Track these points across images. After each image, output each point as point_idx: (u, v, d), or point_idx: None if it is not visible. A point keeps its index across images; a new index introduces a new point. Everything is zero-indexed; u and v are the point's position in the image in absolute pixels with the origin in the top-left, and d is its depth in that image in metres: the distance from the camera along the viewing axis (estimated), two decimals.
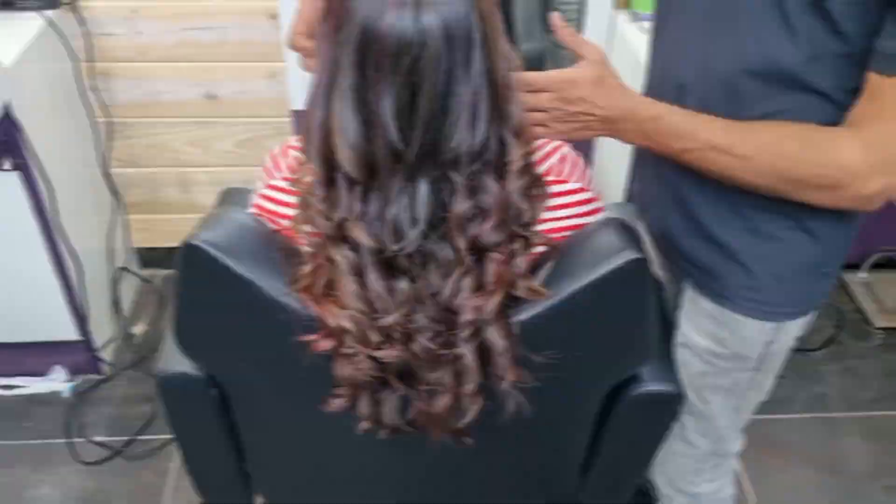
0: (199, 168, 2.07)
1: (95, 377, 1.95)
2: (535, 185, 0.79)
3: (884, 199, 0.86)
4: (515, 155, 0.75)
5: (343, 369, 0.80)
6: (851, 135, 0.84)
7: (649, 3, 1.76)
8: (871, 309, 2.21)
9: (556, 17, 0.83)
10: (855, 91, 0.86)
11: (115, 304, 2.05)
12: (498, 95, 0.73)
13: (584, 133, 0.92)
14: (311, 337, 0.79)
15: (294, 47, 1.01)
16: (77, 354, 1.90)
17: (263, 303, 0.81)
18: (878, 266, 2.27)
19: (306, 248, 0.80)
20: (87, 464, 1.75)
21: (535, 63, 2.02)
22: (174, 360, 0.96)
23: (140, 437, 1.81)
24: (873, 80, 0.81)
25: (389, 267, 0.75)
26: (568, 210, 0.92)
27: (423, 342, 0.77)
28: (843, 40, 0.82)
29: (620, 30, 1.76)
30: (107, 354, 1.97)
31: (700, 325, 1.10)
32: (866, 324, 2.18)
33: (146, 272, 2.26)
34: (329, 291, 0.77)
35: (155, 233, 2.20)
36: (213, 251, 0.80)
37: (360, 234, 0.72)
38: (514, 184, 0.76)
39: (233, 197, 1.19)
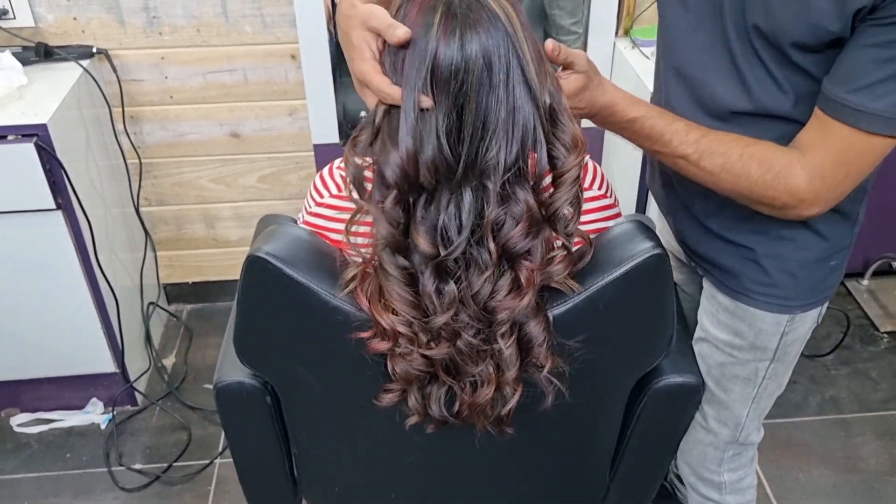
0: (224, 204, 2.17)
1: (130, 408, 2.02)
2: (579, 195, 0.86)
3: (817, 214, 0.97)
4: (570, 165, 0.83)
5: (397, 366, 0.87)
6: (800, 162, 0.92)
7: (649, 31, 1.87)
8: (876, 314, 2.28)
9: (549, 45, 0.89)
10: None
11: (147, 337, 2.13)
12: (542, 113, 0.81)
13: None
14: (366, 334, 0.86)
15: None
16: (113, 387, 1.97)
17: (320, 307, 0.89)
18: (879, 273, 2.34)
19: (355, 258, 0.88)
20: (128, 490, 1.81)
21: None
22: (230, 370, 1.04)
23: (177, 464, 1.87)
24: (819, 114, 0.91)
25: (439, 271, 0.83)
26: (591, 215, 1.00)
27: (467, 338, 0.84)
28: (817, 82, 0.92)
29: (622, 56, 1.86)
30: (140, 386, 2.04)
31: (719, 320, 1.18)
32: (873, 328, 2.25)
33: (172, 307, 2.34)
34: (379, 297, 0.85)
35: (180, 269, 2.29)
36: (274, 261, 0.88)
37: (422, 241, 0.80)
38: (566, 193, 0.83)
39: (271, 221, 1.27)
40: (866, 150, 0.90)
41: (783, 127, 0.97)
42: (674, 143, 0.96)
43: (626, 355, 0.99)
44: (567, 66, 0.91)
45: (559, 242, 0.86)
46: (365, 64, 0.80)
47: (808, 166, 0.92)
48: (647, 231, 0.93)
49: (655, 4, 1.89)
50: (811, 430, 1.95)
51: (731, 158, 0.95)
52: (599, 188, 1.01)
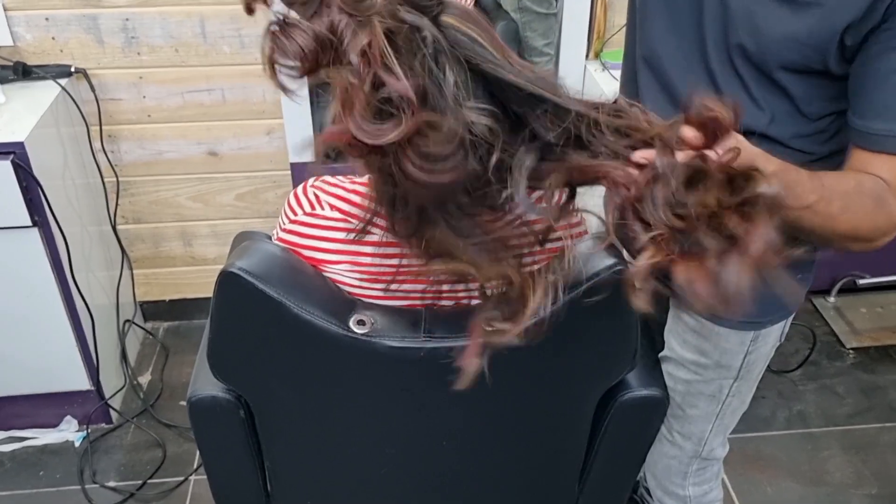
0: (201, 221, 2.18)
1: (105, 426, 2.02)
2: None
3: None
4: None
5: None
6: (887, 189, 0.88)
7: (618, 53, 1.92)
8: (842, 331, 2.33)
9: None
10: (805, 136, 0.98)
11: (123, 355, 2.13)
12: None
13: None
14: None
15: None
16: (88, 405, 1.97)
17: (292, 322, 0.91)
18: (845, 290, 2.40)
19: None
20: None
21: None
22: (204, 384, 1.05)
23: (152, 481, 1.87)
24: (860, 152, 0.88)
25: None
26: (556, 233, 1.03)
27: None
28: (799, 105, 0.94)
29: (592, 78, 1.91)
30: (115, 403, 2.04)
31: (685, 339, 1.21)
32: (839, 345, 2.30)
33: (149, 324, 2.34)
34: None
35: (157, 286, 2.29)
36: (247, 277, 0.90)
37: None
38: None
39: (246, 238, 1.29)
40: None
41: (757, 144, 0.98)
42: (804, 194, 0.85)
43: (591, 369, 1.02)
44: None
45: None
46: None
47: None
48: (611, 248, 0.96)
49: (624, 29, 1.95)
50: (779, 444, 1.99)
51: (849, 194, 0.87)
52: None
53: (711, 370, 1.20)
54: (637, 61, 1.10)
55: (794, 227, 0.86)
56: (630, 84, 1.15)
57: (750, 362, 1.19)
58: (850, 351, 2.28)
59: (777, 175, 0.80)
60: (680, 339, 1.22)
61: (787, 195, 0.78)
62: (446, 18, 0.77)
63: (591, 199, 2.03)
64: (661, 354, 1.29)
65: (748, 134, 0.97)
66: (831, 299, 2.43)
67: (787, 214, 0.84)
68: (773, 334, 1.18)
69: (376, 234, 0.94)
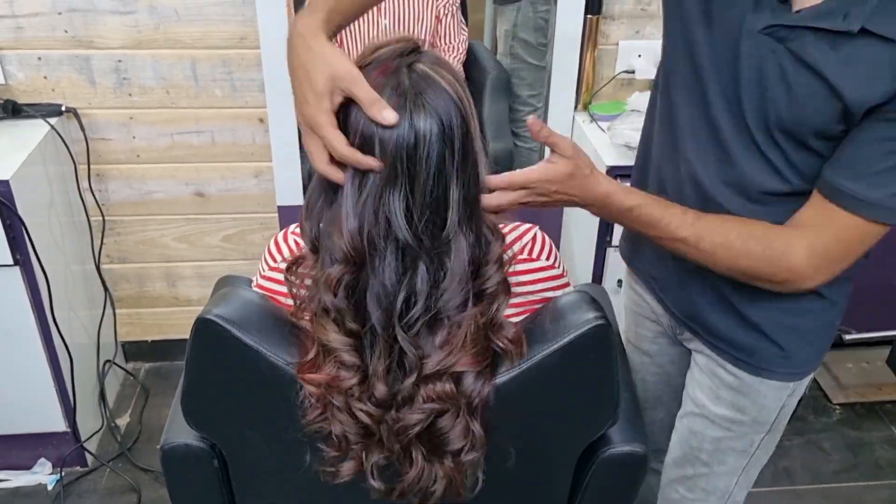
0: (186, 262, 2.17)
1: (80, 469, 1.97)
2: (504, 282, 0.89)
3: (816, 288, 1.01)
4: (495, 249, 0.87)
5: (334, 426, 0.88)
6: (800, 240, 0.96)
7: (606, 106, 1.95)
8: (828, 385, 2.33)
9: (532, 120, 0.89)
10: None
11: (102, 396, 2.09)
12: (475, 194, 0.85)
13: (559, 205, 0.99)
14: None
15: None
16: (63, 446, 1.93)
17: (268, 370, 0.90)
18: (832, 346, 2.39)
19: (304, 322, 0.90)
20: None
21: (505, 161, 2.18)
22: (177, 432, 1.03)
23: None
24: (819, 197, 0.95)
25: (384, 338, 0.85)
26: (538, 285, 1.03)
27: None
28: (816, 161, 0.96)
29: (580, 129, 1.93)
30: (91, 446, 2.00)
31: (719, 395, 1.19)
32: (826, 400, 2.29)
33: (129, 365, 2.31)
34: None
35: (140, 326, 2.27)
36: (223, 323, 0.89)
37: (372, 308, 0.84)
38: (494, 277, 0.87)
39: (229, 282, 1.28)
40: (864, 234, 0.94)
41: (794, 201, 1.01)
42: (671, 227, 0.98)
43: (571, 423, 1.00)
44: (552, 150, 0.92)
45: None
46: (322, 115, 0.80)
47: (808, 244, 0.95)
48: (593, 302, 0.96)
49: (612, 82, 1.97)
50: (765, 501, 1.96)
51: (729, 238, 0.98)
52: (548, 259, 1.04)
53: (747, 426, 1.19)
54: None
55: (683, 256, 1.01)
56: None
57: (783, 415, 1.19)
58: (837, 406, 2.27)
59: (634, 209, 0.97)
60: (712, 395, 1.20)
61: (647, 227, 0.99)
62: (420, 66, 0.80)
63: (579, 249, 2.03)
64: (683, 411, 1.27)
65: (782, 195, 1.00)
66: None
67: (661, 244, 1.01)
68: (805, 385, 1.19)
69: None
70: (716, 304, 1.13)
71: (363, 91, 0.79)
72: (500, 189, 0.91)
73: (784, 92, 0.92)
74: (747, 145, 0.99)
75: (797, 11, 0.90)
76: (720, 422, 1.20)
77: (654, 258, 1.22)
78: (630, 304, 1.36)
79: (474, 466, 0.91)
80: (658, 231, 0.99)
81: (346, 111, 0.82)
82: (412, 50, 0.84)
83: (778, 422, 1.20)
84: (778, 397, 1.16)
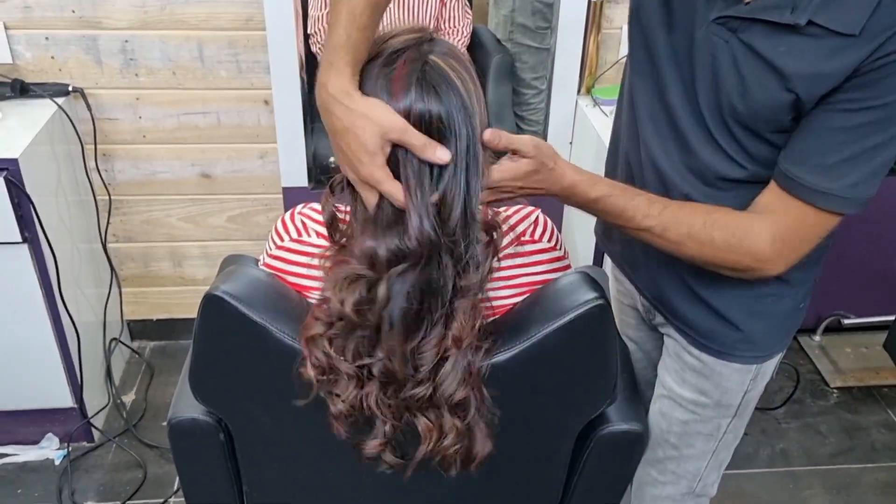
0: (192, 242, 2.19)
1: (87, 444, 2.00)
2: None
3: (779, 273, 1.01)
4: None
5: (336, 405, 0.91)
6: (761, 225, 0.97)
7: (609, 90, 1.95)
8: (826, 370, 2.35)
9: (487, 134, 0.87)
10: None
11: (108, 373, 2.12)
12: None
13: (527, 198, 1.00)
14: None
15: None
16: (70, 422, 1.96)
17: (275, 346, 0.92)
18: (830, 330, 2.42)
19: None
20: None
21: None
22: (184, 407, 1.06)
23: (131, 502, 1.86)
24: (774, 186, 0.97)
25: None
26: (540, 266, 1.05)
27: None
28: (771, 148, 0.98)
29: (583, 113, 1.94)
30: (97, 422, 2.03)
31: (684, 378, 1.21)
32: (823, 384, 2.31)
33: (135, 343, 2.34)
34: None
35: (145, 305, 2.29)
36: (231, 300, 0.91)
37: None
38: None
39: (233, 262, 1.30)
40: (819, 223, 0.95)
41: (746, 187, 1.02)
42: (637, 217, 0.99)
43: (570, 402, 1.03)
44: (513, 153, 0.91)
45: None
46: (379, 171, 0.82)
47: (770, 230, 0.97)
48: (592, 282, 0.98)
49: (615, 66, 1.98)
50: (761, 481, 1.99)
51: (694, 227, 0.99)
52: (549, 241, 1.06)
53: (711, 409, 1.21)
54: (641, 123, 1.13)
55: (650, 245, 1.03)
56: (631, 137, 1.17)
57: (748, 400, 1.21)
58: (834, 390, 2.29)
59: (599, 199, 0.97)
60: (678, 378, 1.22)
61: (613, 217, 1.00)
62: (433, 58, 0.82)
63: (580, 233, 2.05)
64: (655, 395, 1.29)
65: (739, 181, 1.02)
66: (816, 338, 2.44)
67: (627, 232, 1.02)
68: (770, 370, 1.20)
69: None
70: (679, 287, 1.15)
71: (415, 139, 0.81)
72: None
73: (736, 82, 0.94)
74: (703, 133, 1.01)
75: (747, 3, 0.91)
76: (686, 405, 1.22)
77: (623, 242, 1.24)
78: (615, 292, 1.39)
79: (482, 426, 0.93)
80: (624, 221, 1.00)
81: None
82: (428, 39, 0.85)
83: (743, 406, 1.21)
84: (741, 381, 1.17)
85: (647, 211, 0.99)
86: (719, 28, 0.94)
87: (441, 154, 0.81)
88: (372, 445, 0.93)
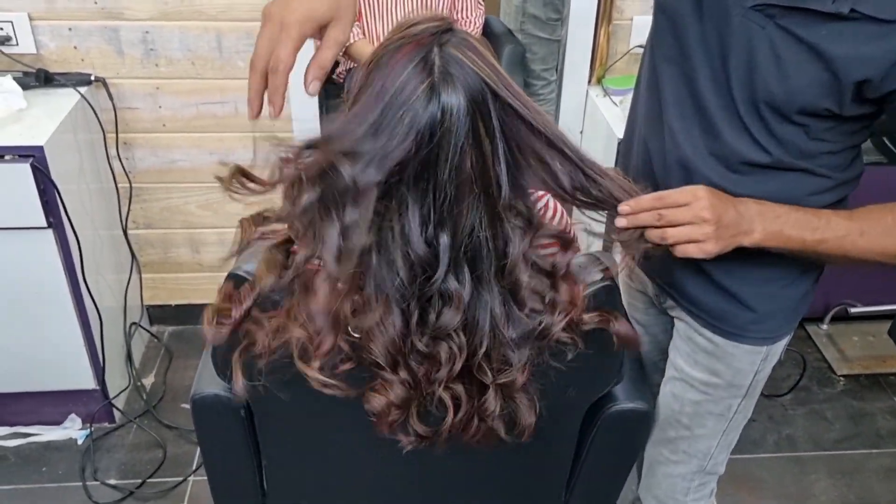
0: (209, 229, 2.24)
1: (108, 425, 2.06)
2: None
3: None
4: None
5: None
6: None
7: (619, 80, 1.98)
8: (833, 358, 2.37)
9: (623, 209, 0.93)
10: (836, 167, 1.04)
11: (128, 356, 2.18)
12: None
13: (728, 244, 0.98)
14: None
15: None
16: (92, 404, 2.02)
17: None
18: (838, 318, 2.44)
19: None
20: None
21: None
22: (207, 383, 1.10)
23: (151, 480, 1.91)
24: None
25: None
26: (550, 249, 1.08)
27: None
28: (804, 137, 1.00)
29: (593, 103, 1.97)
30: (118, 403, 2.09)
31: (696, 360, 1.24)
32: (830, 371, 2.34)
33: (154, 328, 2.40)
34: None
35: (164, 291, 2.35)
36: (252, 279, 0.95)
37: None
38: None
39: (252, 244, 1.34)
40: None
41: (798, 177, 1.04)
42: (832, 225, 0.99)
43: (578, 381, 1.06)
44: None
45: None
46: (291, 55, 0.87)
47: None
48: (600, 264, 1.01)
49: (626, 57, 2.01)
50: (767, 466, 2.03)
51: (886, 221, 0.99)
52: (559, 224, 1.09)
53: (722, 389, 1.24)
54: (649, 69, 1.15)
55: (839, 260, 1.02)
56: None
57: (758, 380, 1.24)
58: (841, 378, 2.32)
59: (784, 214, 0.98)
60: (690, 360, 1.25)
61: (805, 230, 0.98)
62: (450, 49, 0.84)
63: (589, 213, 2.07)
64: (666, 377, 1.32)
65: (763, 166, 1.03)
66: (824, 327, 2.47)
67: (824, 249, 0.99)
68: (779, 350, 1.23)
69: None
70: (691, 270, 1.16)
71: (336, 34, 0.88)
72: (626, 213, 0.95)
73: (774, 66, 0.95)
74: (732, 118, 1.02)
75: None
76: (698, 385, 1.25)
77: None
78: (623, 276, 1.41)
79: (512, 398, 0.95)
80: (818, 233, 0.99)
81: (375, 86, 0.86)
82: (446, 29, 0.88)
83: (753, 386, 1.24)
84: (752, 361, 1.20)
85: (831, 217, 0.99)
86: (756, 14, 0.95)
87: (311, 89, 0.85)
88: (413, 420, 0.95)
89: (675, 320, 1.28)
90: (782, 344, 1.23)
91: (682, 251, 0.96)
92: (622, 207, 0.95)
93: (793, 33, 0.93)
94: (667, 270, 1.22)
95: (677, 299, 1.23)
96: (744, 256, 1.04)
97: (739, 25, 0.97)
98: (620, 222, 0.95)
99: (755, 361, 1.21)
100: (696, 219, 0.95)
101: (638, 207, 0.95)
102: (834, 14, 0.89)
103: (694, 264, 1.13)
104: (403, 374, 0.89)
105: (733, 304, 1.16)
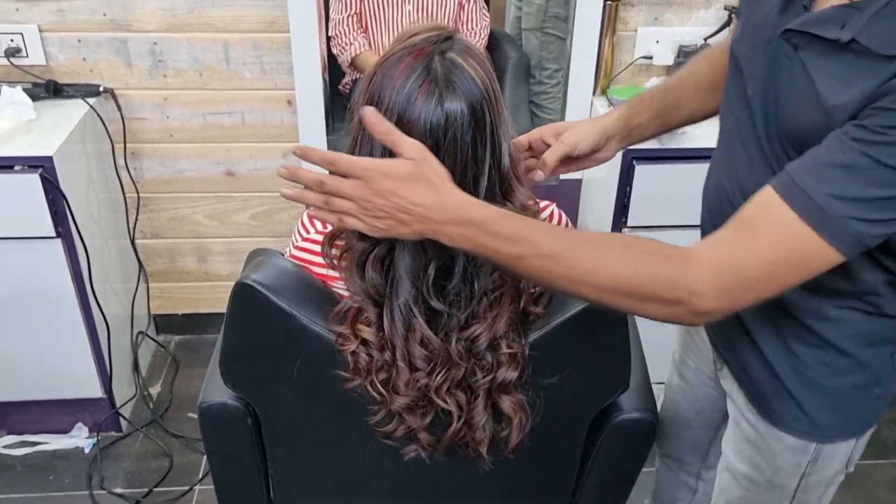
0: (216, 239, 2.25)
1: (115, 434, 2.07)
2: None
3: (720, 317, 0.84)
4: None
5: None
6: (709, 249, 0.83)
7: (624, 91, 1.99)
8: None
9: (368, 112, 0.79)
10: None
11: (135, 365, 2.19)
12: (503, 172, 0.93)
13: (397, 230, 0.82)
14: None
15: None
16: (99, 412, 2.03)
17: (302, 333, 0.97)
18: None
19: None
20: None
21: None
22: (214, 392, 1.11)
23: (158, 489, 1.92)
24: (763, 191, 0.83)
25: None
26: None
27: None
28: None
29: (598, 113, 1.97)
30: (125, 412, 2.09)
31: (740, 450, 1.13)
32: None
33: (161, 337, 2.41)
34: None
35: (171, 300, 2.36)
36: (261, 288, 0.96)
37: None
38: None
39: (260, 254, 1.35)
40: (798, 243, 0.79)
41: None
42: (539, 239, 0.82)
43: (584, 389, 1.06)
44: (392, 150, 0.82)
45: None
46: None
47: (721, 254, 0.82)
48: None
49: (630, 67, 2.02)
50: None
51: (612, 248, 0.83)
52: None
53: (764, 489, 1.10)
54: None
55: (549, 283, 0.85)
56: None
57: (807, 485, 1.06)
58: None
59: (492, 220, 0.81)
60: (735, 449, 1.14)
61: (508, 243, 0.80)
62: (451, 55, 0.87)
63: (595, 224, 2.08)
64: (720, 464, 1.21)
65: None
66: None
67: (528, 267, 0.82)
68: (838, 458, 1.05)
69: None
70: (742, 334, 1.04)
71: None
72: (323, 163, 0.82)
73: (789, 99, 0.87)
74: (758, 151, 0.93)
75: (812, 12, 0.86)
76: (741, 479, 1.13)
77: None
78: (682, 331, 1.32)
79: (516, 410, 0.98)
80: (522, 247, 0.81)
81: (379, 101, 0.88)
82: (446, 38, 0.90)
83: (802, 491, 1.06)
84: (796, 461, 1.04)
85: (550, 231, 0.85)
86: (784, 43, 0.88)
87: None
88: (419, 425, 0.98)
89: (728, 400, 1.16)
90: (840, 450, 1.03)
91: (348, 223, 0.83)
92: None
93: (806, 68, 0.84)
94: (725, 334, 1.10)
95: (730, 363, 1.11)
96: (779, 327, 0.96)
97: (770, 55, 0.90)
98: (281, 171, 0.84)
99: (800, 462, 1.04)
100: (362, 197, 0.80)
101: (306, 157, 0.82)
102: (843, 45, 0.80)
103: (740, 325, 1.03)
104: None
105: (776, 382, 1.02)
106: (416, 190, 0.79)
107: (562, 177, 2.09)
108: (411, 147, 0.80)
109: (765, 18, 0.92)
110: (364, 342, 0.94)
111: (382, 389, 0.95)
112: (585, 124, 1.18)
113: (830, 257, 0.79)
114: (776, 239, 0.80)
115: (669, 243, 0.84)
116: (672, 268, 0.81)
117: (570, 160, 1.18)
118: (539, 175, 1.15)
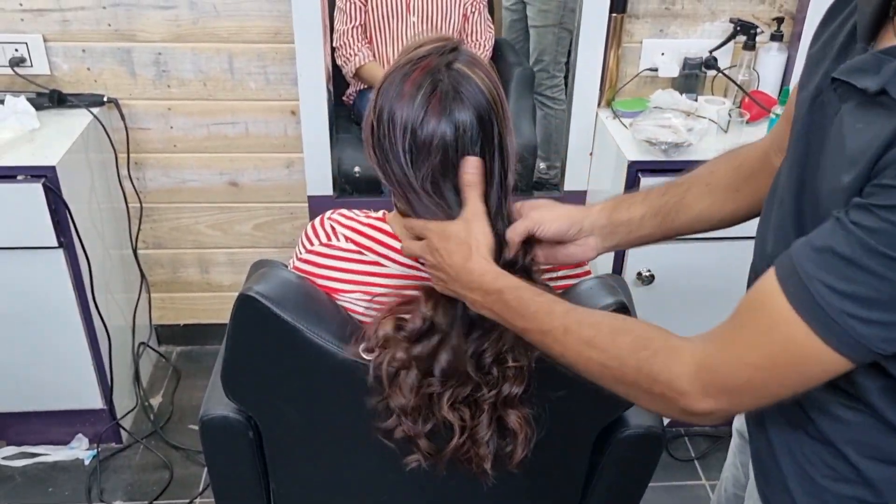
0: (219, 249, 2.24)
1: (115, 446, 2.05)
2: None
3: (719, 418, 0.75)
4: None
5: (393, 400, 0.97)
6: (695, 343, 0.75)
7: (629, 103, 1.99)
8: None
9: (470, 163, 0.88)
10: None
11: (136, 376, 2.18)
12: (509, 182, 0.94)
13: (442, 286, 0.92)
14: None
15: None
16: (99, 424, 2.01)
17: (305, 346, 0.96)
18: None
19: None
20: None
21: (529, 152, 2.24)
22: (216, 404, 1.10)
23: (157, 502, 1.90)
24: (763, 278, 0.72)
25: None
26: (560, 272, 1.08)
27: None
28: None
29: (603, 125, 1.97)
30: (126, 424, 2.08)
31: None
32: None
33: (162, 348, 2.39)
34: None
35: (173, 311, 2.35)
36: (263, 300, 0.95)
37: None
38: None
39: (263, 265, 1.34)
40: (785, 344, 0.67)
41: None
42: (539, 316, 0.84)
43: (591, 403, 1.05)
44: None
45: None
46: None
47: (702, 351, 0.74)
48: (611, 288, 1.01)
49: (636, 79, 2.01)
50: None
51: (601, 332, 0.81)
52: None
53: None
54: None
55: (550, 357, 0.86)
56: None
57: None
58: None
59: (504, 291, 0.85)
60: None
61: (516, 316, 0.85)
62: (458, 66, 0.87)
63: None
64: None
65: None
66: None
67: (533, 341, 0.85)
68: None
69: (390, 267, 0.99)
70: (771, 462, 0.91)
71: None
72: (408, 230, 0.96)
73: (825, 159, 0.72)
74: (790, 216, 0.79)
75: (862, 53, 0.71)
76: None
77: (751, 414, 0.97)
78: (734, 448, 1.18)
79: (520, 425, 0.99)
80: (525, 321, 0.85)
81: (390, 118, 0.89)
82: (452, 49, 0.90)
83: None
84: None
85: (551, 308, 0.84)
86: (832, 94, 0.72)
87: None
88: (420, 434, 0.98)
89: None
90: None
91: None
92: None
93: (842, 123, 0.69)
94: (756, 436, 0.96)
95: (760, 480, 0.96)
96: (786, 409, 0.82)
97: (817, 106, 0.77)
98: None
99: None
100: (423, 254, 0.93)
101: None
102: (870, 97, 0.66)
103: (765, 435, 0.90)
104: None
105: (776, 471, 0.88)
106: (452, 251, 0.88)
107: (566, 188, 2.10)
108: (470, 206, 0.89)
109: (824, 63, 0.77)
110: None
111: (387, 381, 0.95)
112: (560, 208, 1.04)
113: (832, 362, 0.66)
114: (763, 336, 0.69)
115: (666, 330, 0.78)
116: (656, 362, 0.76)
117: (548, 247, 1.03)
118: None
